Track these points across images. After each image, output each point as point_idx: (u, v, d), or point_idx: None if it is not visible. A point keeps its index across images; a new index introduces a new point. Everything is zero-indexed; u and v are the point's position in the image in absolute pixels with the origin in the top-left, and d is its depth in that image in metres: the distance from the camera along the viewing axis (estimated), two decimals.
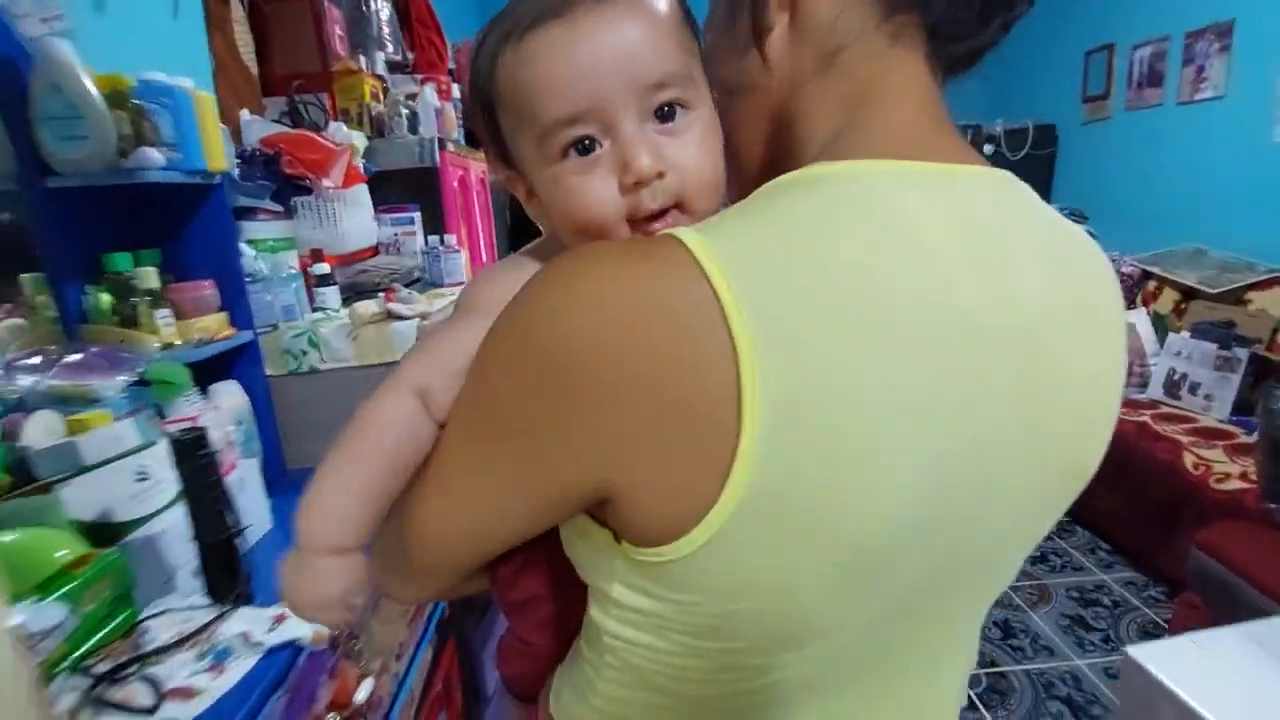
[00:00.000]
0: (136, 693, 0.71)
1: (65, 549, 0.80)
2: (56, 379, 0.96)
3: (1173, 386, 2.65)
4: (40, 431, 0.91)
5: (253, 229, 1.44)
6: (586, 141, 0.40)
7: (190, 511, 0.88)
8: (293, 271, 1.35)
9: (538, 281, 0.36)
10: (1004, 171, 0.42)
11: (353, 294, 1.61)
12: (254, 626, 0.83)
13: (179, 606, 0.86)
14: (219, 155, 1.16)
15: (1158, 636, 2.07)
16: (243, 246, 1.37)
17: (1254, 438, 2.01)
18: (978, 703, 1.86)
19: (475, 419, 0.39)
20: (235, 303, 1.25)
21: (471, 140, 2.91)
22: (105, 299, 1.10)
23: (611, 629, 0.40)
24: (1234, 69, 2.95)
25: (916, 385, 0.34)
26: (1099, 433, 0.44)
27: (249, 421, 1.28)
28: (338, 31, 1.93)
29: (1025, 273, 0.39)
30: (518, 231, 3.53)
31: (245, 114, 1.59)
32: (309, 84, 1.81)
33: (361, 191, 1.73)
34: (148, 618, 0.84)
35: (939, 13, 0.40)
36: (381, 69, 2.06)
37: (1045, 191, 4.13)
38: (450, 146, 2.04)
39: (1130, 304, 3.08)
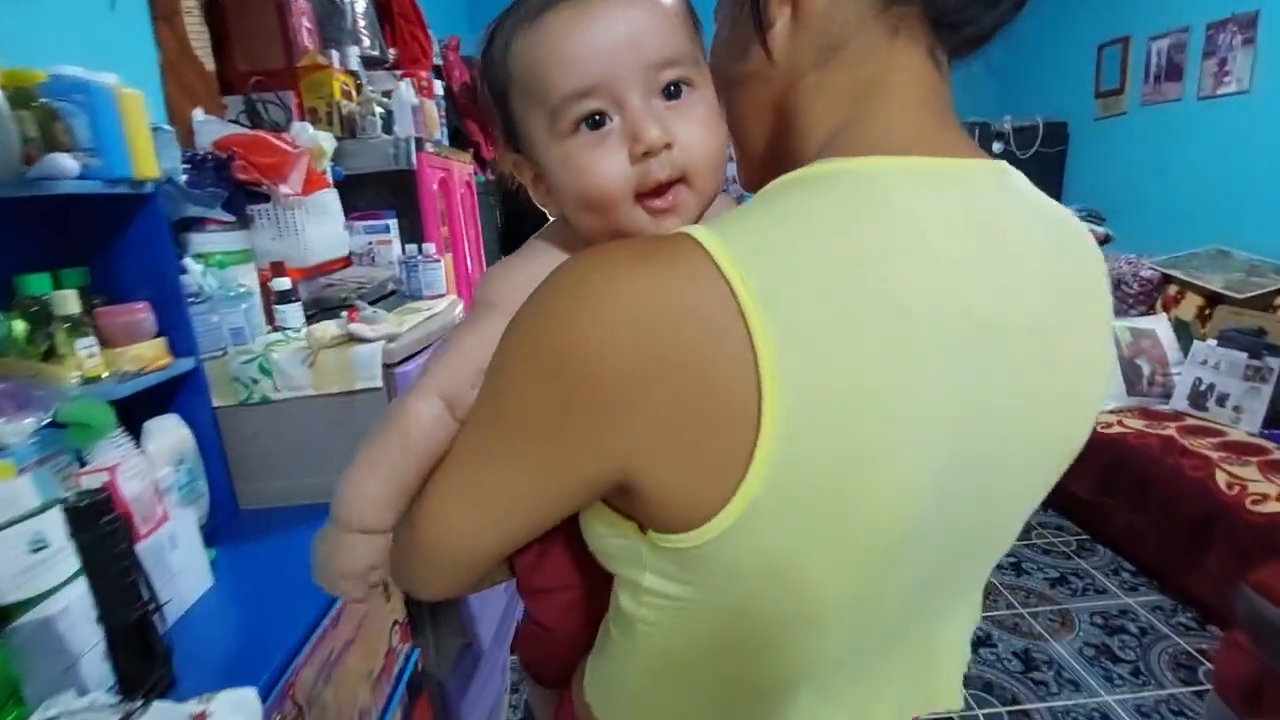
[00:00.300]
0: None
1: None
2: None
3: (1199, 397, 2.51)
4: None
5: (202, 241, 1.30)
6: (597, 116, 0.41)
7: (93, 588, 0.74)
8: (243, 289, 1.21)
9: (555, 281, 0.37)
10: (1002, 162, 0.43)
11: (318, 310, 1.47)
12: None
13: (78, 706, 0.72)
14: (148, 161, 1.02)
15: (1192, 669, 1.93)
16: (189, 262, 1.23)
17: None
18: None
19: (496, 416, 0.40)
20: (175, 326, 1.11)
21: (458, 140, 2.77)
22: (18, 327, 0.96)
23: (645, 616, 0.42)
24: (1259, 62, 2.81)
25: (929, 380, 0.35)
26: (1090, 412, 0.47)
27: (192, 460, 1.14)
28: (305, 24, 1.78)
29: (1029, 267, 0.40)
30: (511, 233, 3.39)
31: (198, 113, 1.45)
32: (272, 80, 1.67)
33: (329, 198, 1.59)
34: None
35: (940, 4, 0.40)
36: (355, 64, 1.92)
37: (1056, 190, 3.99)
38: (429, 147, 1.90)
39: (1149, 309, 2.94)
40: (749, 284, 0.32)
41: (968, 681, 1.12)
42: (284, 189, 1.36)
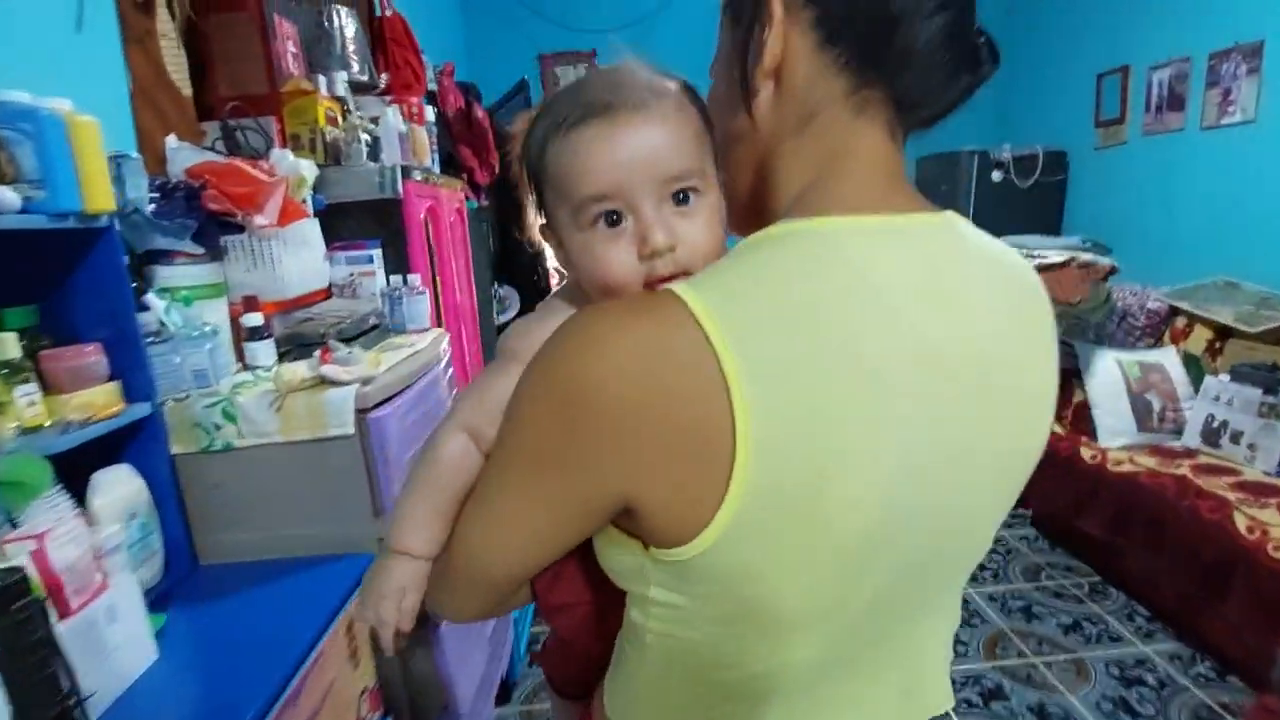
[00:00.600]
0: None
1: None
2: None
3: (1212, 434, 2.43)
4: None
5: (168, 275, 1.22)
6: (614, 215, 0.48)
7: (5, 683, 0.65)
8: (208, 328, 1.13)
9: (561, 331, 0.44)
10: (950, 213, 0.49)
11: (294, 347, 1.39)
12: None
13: None
14: (102, 193, 0.94)
15: None
16: (151, 297, 1.15)
17: None
18: None
19: (513, 451, 0.46)
20: (131, 369, 1.03)
21: (450, 166, 2.71)
22: None
23: (654, 628, 0.47)
24: (1265, 92, 2.77)
25: (877, 405, 0.41)
26: (1044, 424, 0.52)
27: (145, 514, 1.05)
28: (290, 49, 1.72)
29: (976, 303, 0.46)
30: (506, 261, 3.32)
31: (172, 140, 1.38)
32: (255, 106, 1.60)
33: (308, 228, 1.51)
34: None
35: (903, 86, 0.46)
36: (342, 90, 1.86)
37: (1057, 220, 3.95)
38: (417, 174, 1.83)
39: (1157, 341, 2.87)
40: (721, 330, 0.39)
41: None
42: (259, 219, 1.29)
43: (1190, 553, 2.13)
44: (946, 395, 0.44)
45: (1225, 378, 2.45)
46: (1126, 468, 2.43)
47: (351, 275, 1.69)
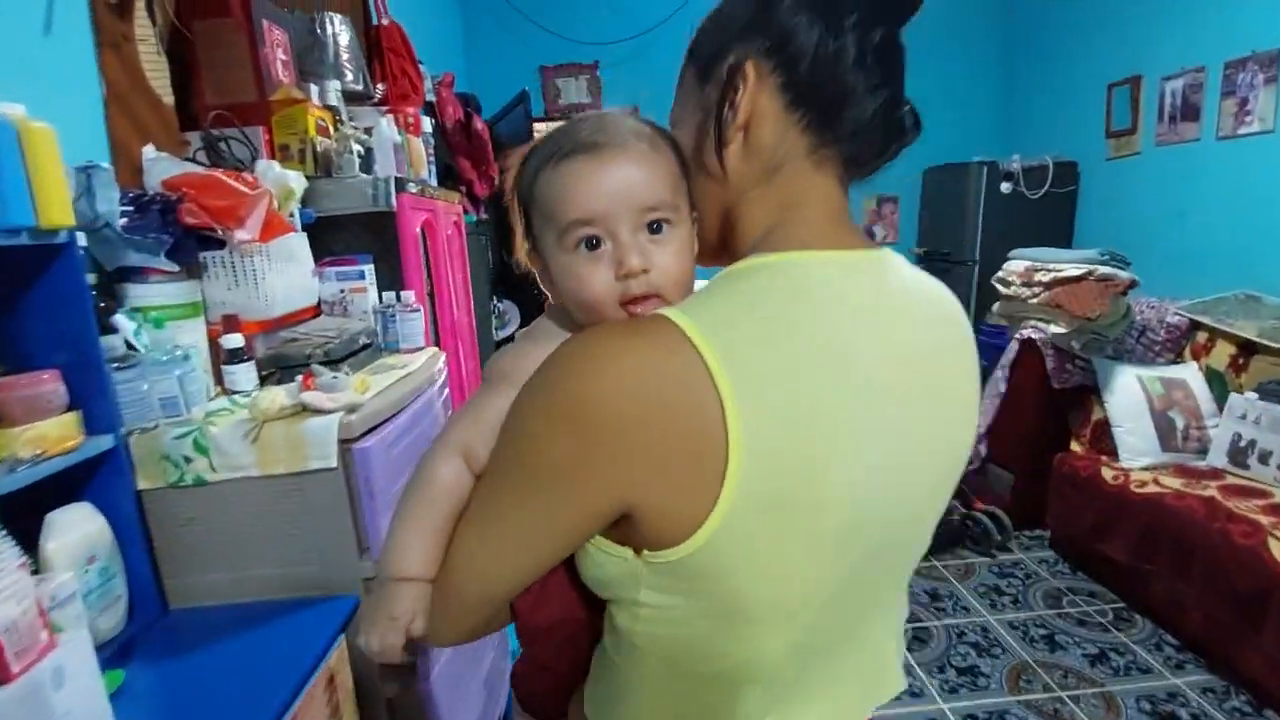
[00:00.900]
0: None
1: None
2: None
3: (1239, 454, 2.34)
4: None
5: (141, 294, 1.14)
6: (594, 240, 0.53)
7: None
8: (178, 352, 1.04)
9: (561, 354, 0.48)
10: (886, 249, 0.56)
11: (277, 370, 1.30)
12: None
13: None
14: (60, 206, 0.86)
15: None
16: (120, 319, 1.06)
17: None
18: None
19: (514, 468, 0.50)
20: (93, 398, 0.94)
21: (448, 180, 2.64)
22: None
23: (643, 630, 0.51)
24: None
25: (850, 414, 0.47)
26: (974, 426, 0.60)
27: (107, 556, 0.96)
28: (280, 55, 1.65)
29: (915, 321, 0.54)
30: (505, 275, 3.25)
31: (149, 150, 1.30)
32: (241, 115, 1.52)
33: (295, 242, 1.43)
34: None
35: (853, 149, 0.54)
36: (335, 99, 1.79)
37: (1068, 231, 3.87)
38: (413, 186, 1.75)
39: (1177, 357, 2.78)
40: (713, 350, 0.44)
41: None
42: (240, 234, 1.21)
43: (1222, 579, 2.03)
44: (901, 404, 0.50)
45: (1252, 395, 2.36)
46: (1151, 489, 2.34)
47: (342, 292, 1.61)
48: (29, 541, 0.88)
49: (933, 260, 4.08)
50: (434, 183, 2.21)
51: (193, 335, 1.19)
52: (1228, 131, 2.96)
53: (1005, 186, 3.71)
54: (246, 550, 1.05)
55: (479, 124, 2.85)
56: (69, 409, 0.92)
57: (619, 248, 0.52)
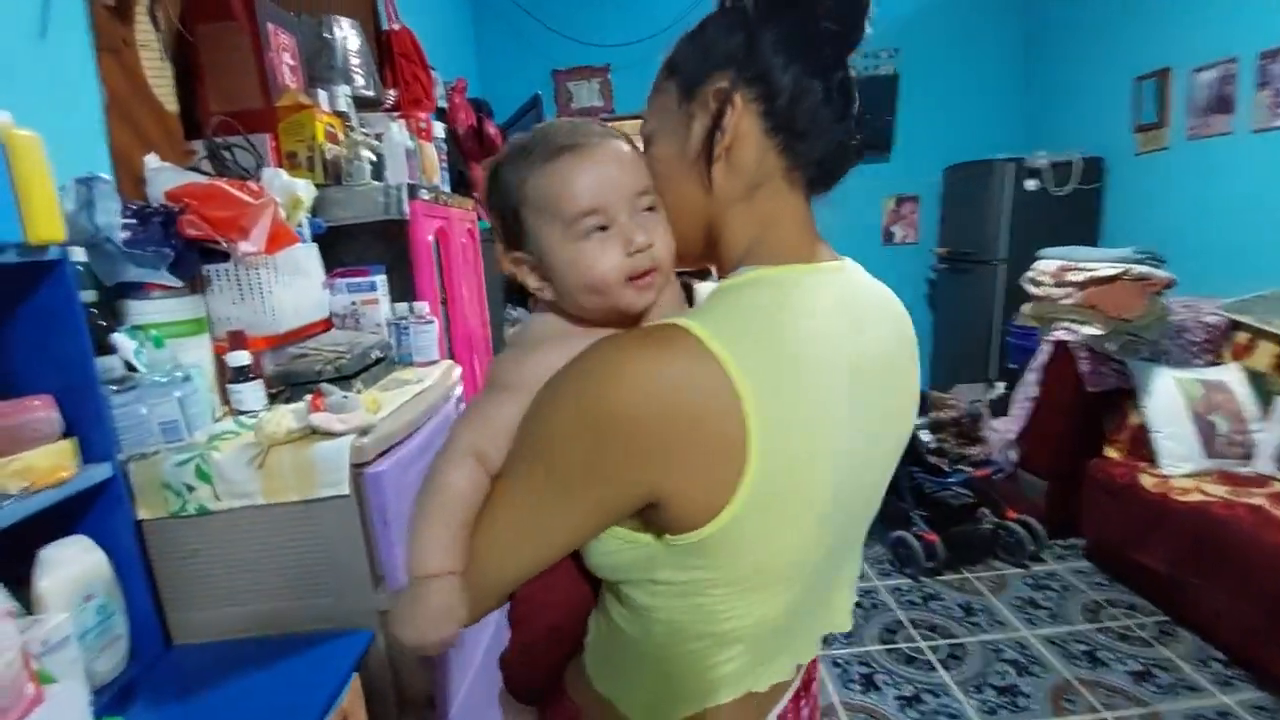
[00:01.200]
0: None
1: None
2: None
3: None
4: None
5: (142, 311, 1.08)
6: (602, 226, 0.58)
7: None
8: (178, 374, 0.98)
9: (586, 363, 0.53)
10: (847, 259, 0.64)
11: (286, 387, 1.24)
12: None
13: None
14: (49, 220, 0.80)
15: None
16: (119, 337, 1.01)
17: None
18: None
19: (542, 470, 0.54)
20: (88, 424, 0.89)
21: (460, 186, 2.58)
22: None
23: (660, 604, 0.58)
24: None
25: (837, 406, 0.55)
26: (915, 411, 0.69)
27: (106, 593, 0.90)
28: (287, 60, 1.60)
29: (879, 326, 0.62)
30: (517, 283, 3.19)
31: (152, 160, 1.25)
32: (248, 122, 1.47)
33: (303, 254, 1.38)
34: None
35: (817, 173, 0.61)
36: (344, 105, 1.73)
37: (1094, 229, 3.76)
38: (425, 194, 1.69)
39: (1216, 358, 2.67)
40: (729, 355, 0.50)
41: None
42: (244, 245, 1.15)
43: (1272, 592, 1.93)
44: (868, 398, 0.58)
45: None
46: (1195, 497, 2.24)
47: (354, 304, 1.55)
48: (22, 579, 0.82)
49: (956, 261, 3.98)
50: (447, 190, 2.15)
51: (197, 353, 1.14)
52: (1262, 124, 2.85)
53: (1030, 183, 3.61)
54: (254, 583, 0.98)
55: (491, 129, 2.79)
56: (64, 436, 0.87)
57: (624, 228, 0.57)
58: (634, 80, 4.05)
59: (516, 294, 3.26)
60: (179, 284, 1.11)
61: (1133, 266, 2.57)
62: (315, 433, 0.97)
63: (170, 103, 1.35)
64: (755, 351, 0.51)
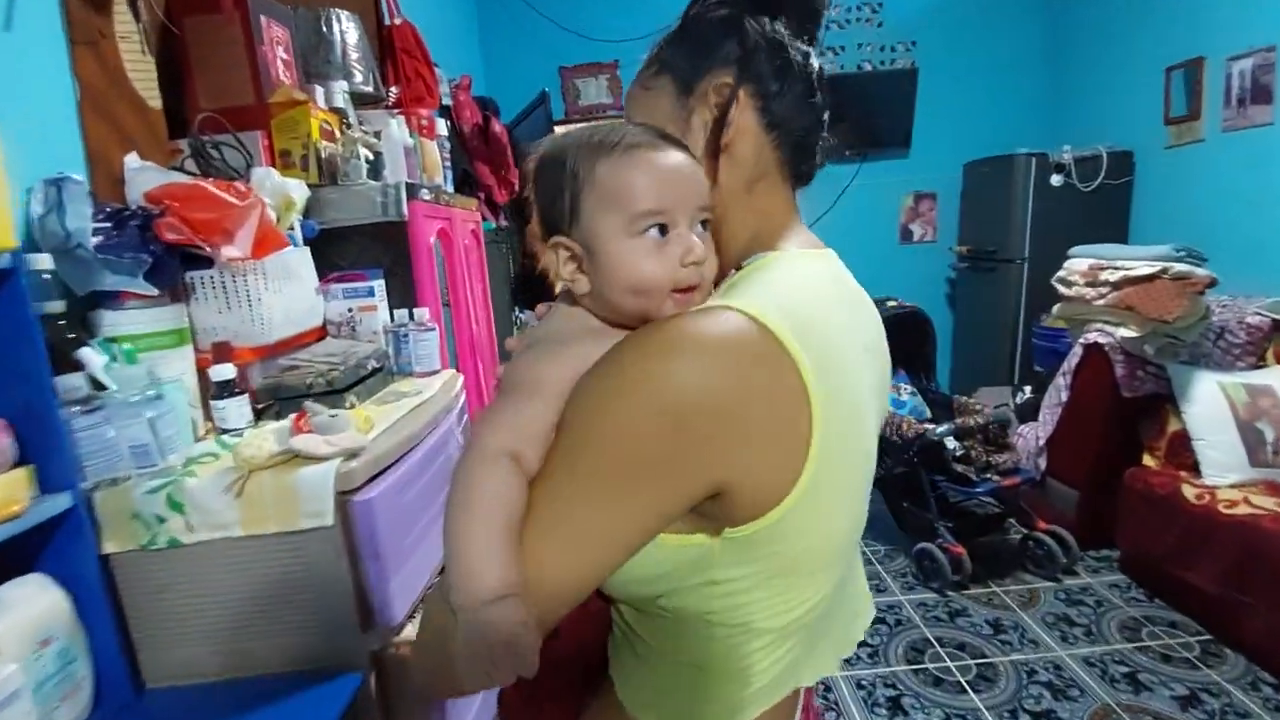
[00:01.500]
0: None
1: None
2: None
3: None
4: None
5: (116, 322, 1.00)
6: (662, 228, 0.55)
7: None
8: (149, 392, 0.89)
9: (640, 351, 0.51)
10: (828, 248, 0.66)
11: (274, 402, 1.16)
12: None
13: None
14: (0, 226, 0.72)
15: None
16: (88, 352, 0.92)
17: None
18: None
19: (600, 468, 0.50)
20: (46, 450, 0.80)
21: (465, 185, 2.50)
22: None
23: (719, 605, 0.55)
24: None
25: (865, 377, 0.59)
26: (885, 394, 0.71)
27: (66, 635, 0.81)
28: (280, 54, 1.51)
29: (866, 307, 0.66)
30: (526, 284, 3.10)
31: (132, 160, 1.17)
32: (239, 119, 1.39)
33: (295, 258, 1.29)
34: None
35: (805, 169, 0.66)
36: (342, 101, 1.65)
37: (1123, 225, 3.62)
38: (425, 193, 1.60)
39: (1259, 361, 2.54)
40: (786, 333, 0.50)
41: None
42: (228, 250, 1.06)
43: None
44: (872, 369, 0.62)
45: None
46: (1242, 510, 2.11)
47: (350, 311, 1.46)
48: None
49: (977, 260, 3.86)
50: (450, 189, 2.07)
51: (177, 366, 1.05)
52: None
53: (1056, 179, 3.48)
54: (232, 621, 0.90)
55: (497, 127, 2.71)
56: (19, 464, 0.78)
57: (683, 237, 0.55)
58: None
59: (525, 297, 3.18)
60: (156, 292, 1.02)
61: (1172, 265, 2.44)
62: (298, 457, 0.88)
63: (154, 99, 1.27)
64: (800, 329, 0.51)
